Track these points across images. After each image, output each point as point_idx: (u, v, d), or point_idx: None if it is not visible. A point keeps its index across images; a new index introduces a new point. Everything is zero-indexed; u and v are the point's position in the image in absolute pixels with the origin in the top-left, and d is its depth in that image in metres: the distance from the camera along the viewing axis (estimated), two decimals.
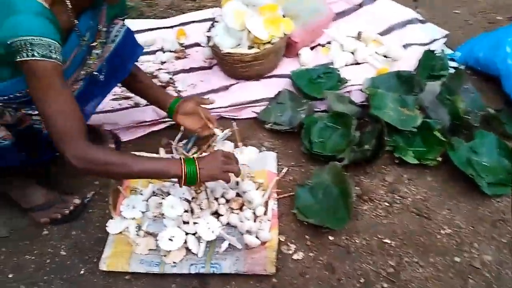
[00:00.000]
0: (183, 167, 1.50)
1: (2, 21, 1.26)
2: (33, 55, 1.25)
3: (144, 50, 2.57)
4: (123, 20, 1.78)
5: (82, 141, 1.37)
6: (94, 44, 1.62)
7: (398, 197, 1.81)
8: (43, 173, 1.94)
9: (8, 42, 1.25)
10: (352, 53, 2.38)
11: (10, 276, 1.69)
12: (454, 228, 1.69)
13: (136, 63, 1.92)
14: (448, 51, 2.42)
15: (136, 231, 1.73)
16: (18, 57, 1.26)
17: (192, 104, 1.90)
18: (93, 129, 2.08)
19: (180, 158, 1.54)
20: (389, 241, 1.66)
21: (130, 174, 1.52)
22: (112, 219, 1.76)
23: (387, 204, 1.78)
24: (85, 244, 1.76)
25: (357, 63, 2.36)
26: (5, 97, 1.45)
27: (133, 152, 1.80)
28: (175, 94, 2.30)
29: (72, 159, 1.35)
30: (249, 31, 2.14)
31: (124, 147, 2.11)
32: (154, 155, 1.93)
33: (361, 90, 2.10)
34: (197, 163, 1.53)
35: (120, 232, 1.73)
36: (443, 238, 1.66)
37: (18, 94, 1.45)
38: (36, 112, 1.52)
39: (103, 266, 1.64)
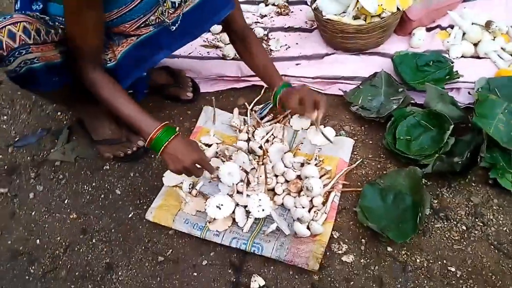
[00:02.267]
0: (154, 134, 1.43)
1: None
2: None
3: None
4: None
5: (87, 65, 1.45)
6: None
7: (479, 223, 1.56)
8: None
9: None
10: (475, 44, 2.05)
11: (66, 201, 1.75)
12: None
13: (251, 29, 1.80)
14: None
15: (190, 188, 1.69)
16: None
17: (299, 93, 1.71)
18: (174, 73, 2.05)
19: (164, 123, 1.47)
20: (454, 270, 1.46)
21: (114, 112, 1.50)
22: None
23: (464, 228, 1.55)
24: (140, 189, 1.76)
25: (478, 57, 2.03)
26: None
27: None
28: None
29: (78, 73, 1.46)
30: (358, 0, 1.91)
31: (201, 97, 2.05)
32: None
33: (469, 92, 1.80)
34: (171, 139, 1.44)
35: (175, 186, 1.70)
36: None
37: None
38: None
39: (149, 216, 1.63)
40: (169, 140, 1.43)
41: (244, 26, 1.77)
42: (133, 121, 1.46)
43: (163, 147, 1.44)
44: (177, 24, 1.59)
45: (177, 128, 1.87)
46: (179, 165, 1.46)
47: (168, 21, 1.57)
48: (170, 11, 1.57)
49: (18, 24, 1.32)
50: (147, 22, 1.55)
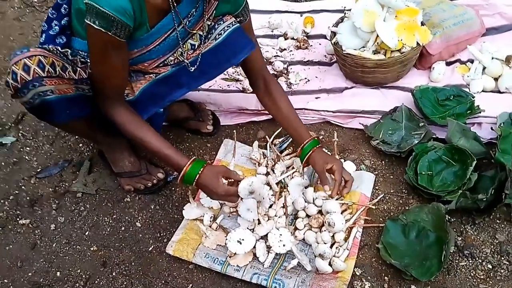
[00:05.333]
0: (186, 167, 1.48)
1: None
2: (94, 22, 1.28)
3: (267, 33, 2.53)
4: (240, 20, 1.65)
5: (112, 102, 1.50)
6: (192, 31, 1.55)
7: (505, 261, 1.53)
8: None
9: (84, 1, 1.28)
10: (496, 79, 2.05)
11: (87, 233, 1.75)
12: None
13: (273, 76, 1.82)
14: None
15: (210, 222, 1.68)
16: (86, 17, 1.30)
17: (333, 167, 1.64)
18: (195, 106, 2.07)
19: (192, 158, 1.52)
20: None
21: (142, 147, 1.56)
22: (190, 203, 1.73)
23: (490, 267, 1.52)
24: (160, 221, 1.76)
25: (498, 92, 2.03)
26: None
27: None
28: (285, 86, 2.19)
29: (103, 110, 1.52)
30: (378, 35, 1.93)
31: (221, 130, 2.06)
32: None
33: (491, 128, 1.79)
34: (202, 170, 1.48)
35: (195, 219, 1.70)
36: None
37: None
38: None
39: (169, 250, 1.62)
40: (198, 175, 1.48)
41: (262, 67, 1.76)
42: (162, 157, 1.51)
43: (194, 182, 1.50)
44: (196, 65, 1.62)
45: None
46: (212, 197, 1.56)
47: (187, 61, 1.61)
48: (189, 52, 1.61)
49: (34, 57, 1.37)
50: (165, 62, 1.59)
